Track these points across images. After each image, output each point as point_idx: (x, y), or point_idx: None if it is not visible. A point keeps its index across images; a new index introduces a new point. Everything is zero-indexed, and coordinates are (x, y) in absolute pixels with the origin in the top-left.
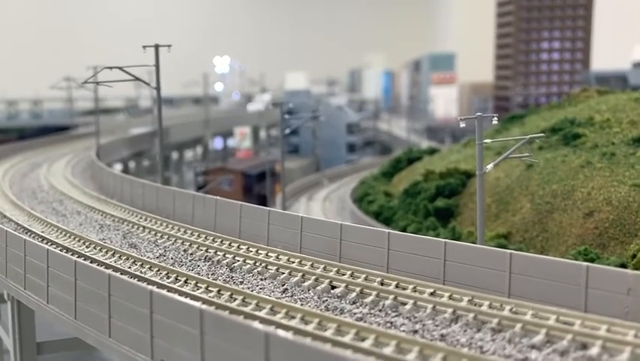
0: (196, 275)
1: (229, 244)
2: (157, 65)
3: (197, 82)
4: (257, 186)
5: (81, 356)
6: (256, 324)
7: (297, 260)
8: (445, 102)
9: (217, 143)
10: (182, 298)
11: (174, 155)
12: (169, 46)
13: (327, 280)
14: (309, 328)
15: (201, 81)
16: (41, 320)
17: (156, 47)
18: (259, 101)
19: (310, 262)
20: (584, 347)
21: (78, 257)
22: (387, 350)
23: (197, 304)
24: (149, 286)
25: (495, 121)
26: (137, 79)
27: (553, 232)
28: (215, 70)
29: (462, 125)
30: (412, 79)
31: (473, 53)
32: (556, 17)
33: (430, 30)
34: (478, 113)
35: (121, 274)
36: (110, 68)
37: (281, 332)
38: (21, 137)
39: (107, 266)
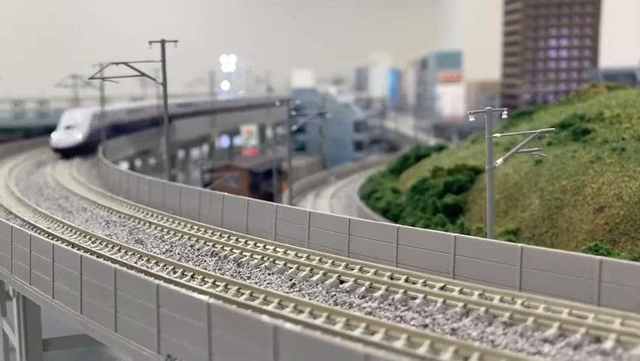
0: (203, 270)
1: (236, 240)
2: (163, 61)
3: (202, 80)
4: (264, 184)
5: (88, 352)
6: (264, 317)
7: (305, 255)
8: (452, 100)
9: (223, 141)
10: (189, 292)
11: (180, 153)
12: (175, 41)
13: (336, 275)
14: (318, 322)
15: (207, 79)
16: (48, 318)
17: (162, 42)
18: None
19: (318, 257)
20: (598, 340)
21: (84, 252)
22: (398, 344)
23: (205, 298)
24: (156, 280)
25: (505, 115)
26: (143, 74)
27: (563, 228)
28: (222, 69)
29: (471, 118)
30: (418, 77)
31: (480, 51)
32: (563, 15)
33: (437, 28)
34: (488, 107)
35: (127, 269)
36: (117, 63)
37: (290, 325)
38: (26, 136)
39: (113, 261)
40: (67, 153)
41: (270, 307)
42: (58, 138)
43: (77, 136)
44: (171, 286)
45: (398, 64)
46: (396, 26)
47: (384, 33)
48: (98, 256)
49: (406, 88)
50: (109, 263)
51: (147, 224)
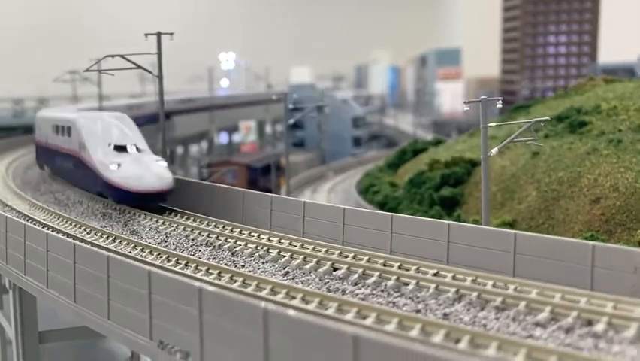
0: (197, 259)
1: (231, 230)
2: (159, 53)
3: (201, 77)
4: (262, 179)
5: (85, 346)
6: (255, 301)
7: (299, 244)
8: (451, 97)
9: (222, 138)
10: (180, 278)
11: (179, 150)
12: (171, 33)
13: (329, 263)
14: (310, 307)
15: (206, 76)
16: (46, 312)
17: (158, 34)
18: None
19: (312, 246)
20: (590, 323)
21: (78, 242)
22: (389, 328)
23: (196, 283)
24: (148, 267)
25: (499, 105)
26: (139, 67)
27: (560, 219)
28: (221, 66)
29: (465, 108)
30: (418, 74)
31: (480, 47)
32: (562, 10)
33: (437, 26)
34: (483, 97)
35: (121, 257)
36: (112, 56)
37: (280, 309)
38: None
39: (108, 251)
40: (154, 201)
41: (263, 294)
42: (132, 173)
43: (163, 164)
44: (163, 272)
45: (398, 61)
46: (396, 24)
47: (384, 31)
48: (92, 246)
49: (405, 85)
50: (102, 251)
51: (143, 216)
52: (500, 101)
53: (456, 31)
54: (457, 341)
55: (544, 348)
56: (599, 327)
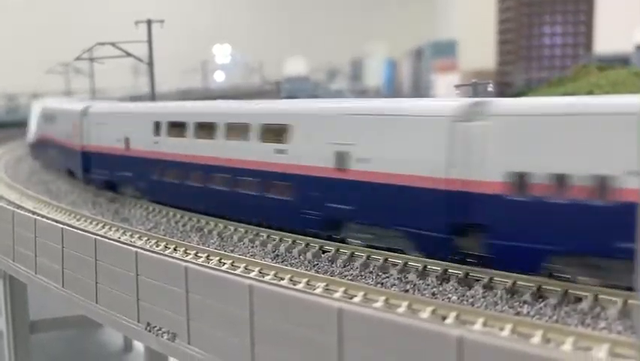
0: (187, 243)
1: (221, 215)
2: (149, 41)
3: (196, 70)
4: None
5: (77, 336)
6: (240, 278)
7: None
8: (446, 89)
9: None
10: (167, 258)
11: None
12: (162, 21)
13: (318, 245)
14: (298, 287)
15: (201, 70)
16: (39, 304)
17: (149, 22)
18: None
19: None
20: (578, 300)
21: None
22: (377, 305)
23: (182, 263)
24: (134, 248)
25: (490, 88)
26: (130, 55)
27: None
28: (216, 60)
29: (456, 92)
30: (413, 67)
31: (475, 39)
32: (557, 1)
33: (433, 17)
34: (474, 80)
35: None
36: (103, 43)
37: (266, 285)
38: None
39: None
40: None
41: (251, 275)
42: None
43: None
44: (149, 253)
45: (394, 54)
46: (392, 17)
47: (380, 24)
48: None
49: (401, 78)
50: (89, 234)
51: (134, 203)
52: (491, 85)
53: (452, 23)
54: (444, 318)
55: None
56: (585, 304)
